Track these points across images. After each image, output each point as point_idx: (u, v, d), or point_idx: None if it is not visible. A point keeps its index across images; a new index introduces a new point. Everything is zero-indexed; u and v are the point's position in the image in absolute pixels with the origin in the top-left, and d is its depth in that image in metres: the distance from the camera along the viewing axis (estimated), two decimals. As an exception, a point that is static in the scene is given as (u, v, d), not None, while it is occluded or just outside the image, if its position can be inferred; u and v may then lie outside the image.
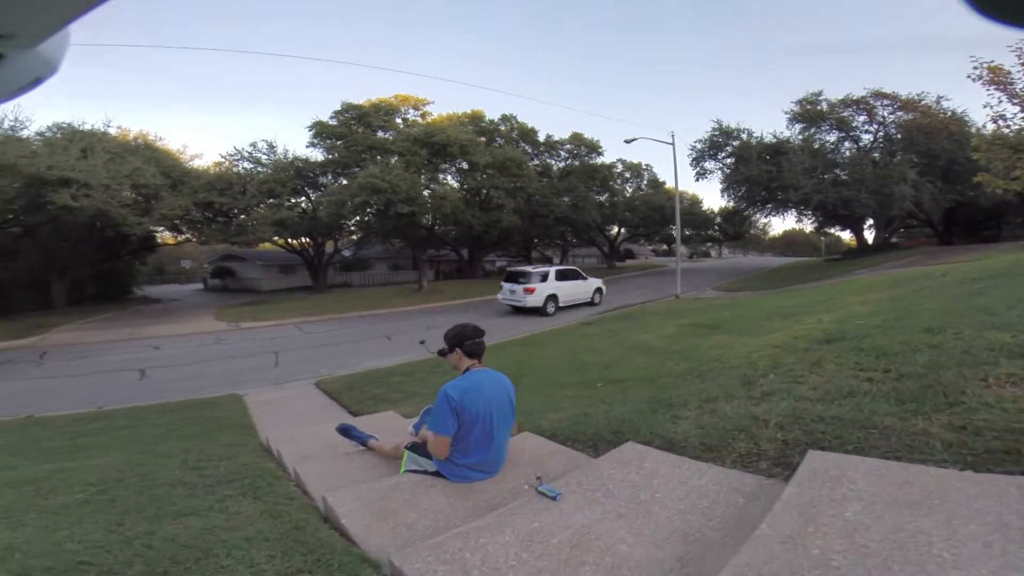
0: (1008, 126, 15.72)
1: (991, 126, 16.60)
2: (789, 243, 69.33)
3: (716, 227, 39.99)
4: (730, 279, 25.60)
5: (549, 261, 44.94)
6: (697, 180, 29.56)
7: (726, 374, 3.95)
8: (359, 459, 3.28)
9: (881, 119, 23.71)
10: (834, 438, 2.20)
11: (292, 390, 8.01)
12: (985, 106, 15.95)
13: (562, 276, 16.16)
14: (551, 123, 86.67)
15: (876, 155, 23.99)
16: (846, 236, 38.32)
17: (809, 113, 24.34)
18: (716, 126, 26.05)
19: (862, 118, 24.07)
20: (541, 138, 29.80)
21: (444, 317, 16.54)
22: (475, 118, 26.72)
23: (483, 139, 25.07)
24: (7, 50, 0.51)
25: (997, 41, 21.25)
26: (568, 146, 31.00)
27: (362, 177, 18.66)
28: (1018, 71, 14.60)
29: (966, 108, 24.49)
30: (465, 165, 22.77)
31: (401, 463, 2.77)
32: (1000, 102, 15.34)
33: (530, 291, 15.07)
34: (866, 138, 24.78)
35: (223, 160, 23.41)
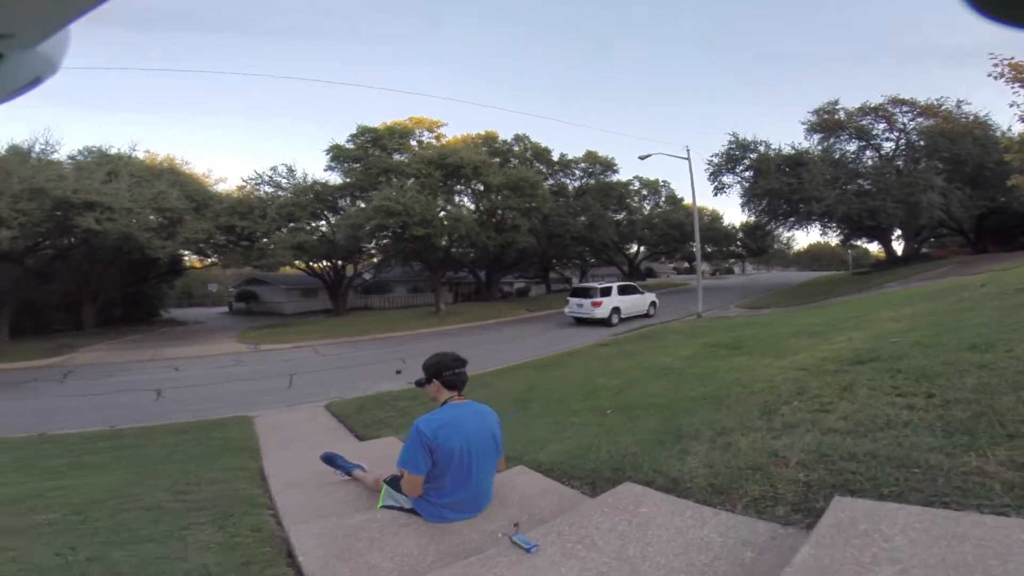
0: (1037, 124, 15.07)
1: (1018, 126, 15.90)
2: (815, 257, 67.90)
3: (738, 243, 39.13)
4: (754, 296, 24.93)
5: (568, 282, 44.74)
6: (716, 195, 29.12)
7: (745, 401, 3.61)
8: (342, 490, 3.08)
9: (902, 126, 23.13)
10: (867, 479, 1.88)
11: (302, 412, 7.90)
12: (1011, 105, 15.32)
13: (623, 291, 18.10)
14: (565, 142, 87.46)
15: (900, 163, 23.33)
16: (873, 248, 37.18)
17: (827, 123, 23.86)
18: (732, 139, 25.72)
19: (882, 126, 23.54)
20: (555, 157, 29.72)
21: (460, 339, 16.39)
22: (489, 139, 26.85)
23: (497, 160, 25.15)
24: (7, 50, 0.51)
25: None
26: (583, 164, 30.80)
27: (377, 200, 18.84)
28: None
29: (988, 111, 23.77)
30: (481, 187, 22.85)
31: (379, 497, 2.56)
32: (1027, 99, 14.73)
33: (597, 304, 16.98)
34: (888, 146, 24.22)
35: (244, 184, 24.05)
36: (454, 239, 22.33)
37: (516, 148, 27.81)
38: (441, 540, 2.08)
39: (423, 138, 25.22)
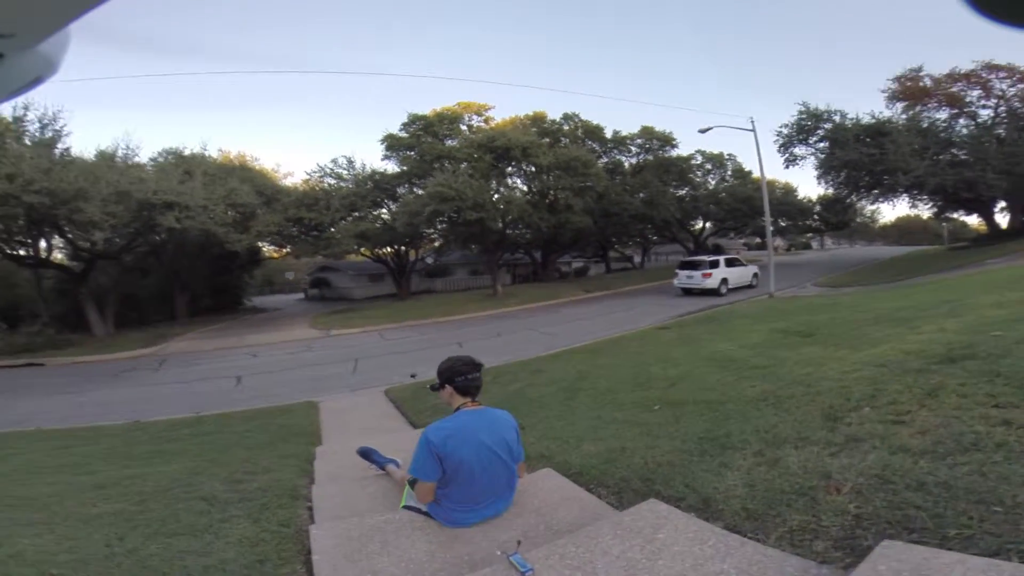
0: None
1: None
2: (904, 231, 61.74)
3: (815, 216, 36.30)
4: (834, 273, 23.11)
5: (630, 260, 43.53)
6: (787, 167, 27.27)
7: (807, 404, 3.24)
8: (375, 485, 3.11)
9: (1000, 93, 20.69)
10: (931, 516, 1.57)
11: (362, 397, 8.15)
12: None
13: (729, 263, 19.54)
14: (618, 119, 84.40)
15: (1000, 131, 21.04)
16: (972, 221, 33.10)
17: (910, 91, 21.98)
18: (802, 109, 24.16)
19: (976, 92, 21.17)
20: (608, 134, 28.83)
21: (515, 321, 16.43)
22: (537, 119, 26.46)
23: (546, 140, 24.77)
24: (7, 50, 0.52)
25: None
26: (639, 141, 29.63)
27: (431, 186, 19.14)
28: None
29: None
30: (532, 168, 22.59)
31: (402, 496, 2.56)
32: None
33: (707, 276, 18.42)
34: (984, 114, 21.73)
35: (309, 177, 25.27)
36: (507, 221, 22.33)
37: (566, 127, 27.19)
38: (451, 548, 2.04)
39: (472, 122, 25.29)
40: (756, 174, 25.10)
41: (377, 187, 24.08)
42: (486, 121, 25.55)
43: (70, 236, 17.37)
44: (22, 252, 18.79)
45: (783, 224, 36.39)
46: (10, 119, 15.77)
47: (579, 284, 27.26)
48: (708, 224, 35.15)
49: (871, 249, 49.63)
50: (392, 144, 23.78)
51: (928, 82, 21.77)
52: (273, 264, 42.07)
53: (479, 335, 13.94)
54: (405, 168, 23.47)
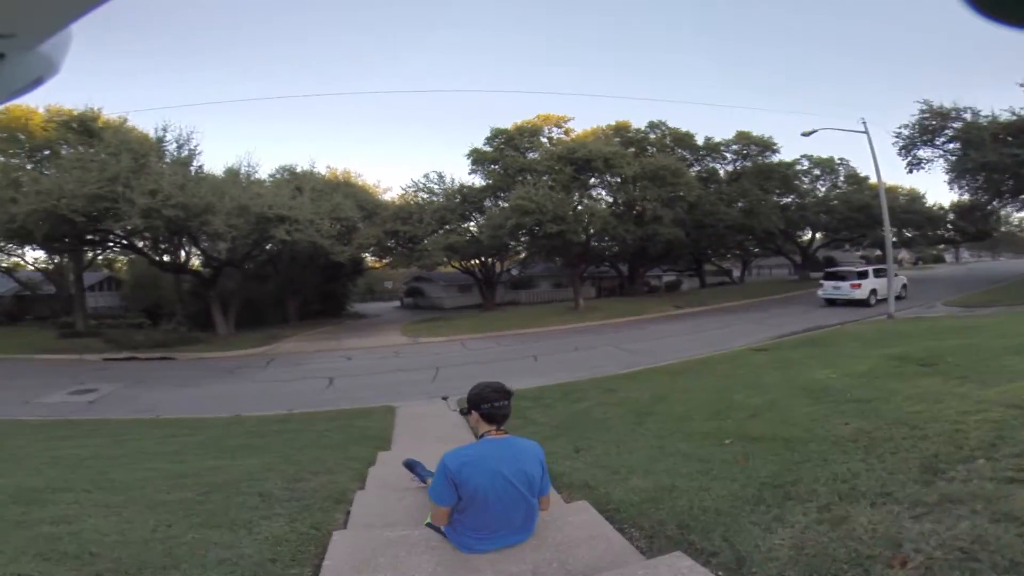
0: None
1: None
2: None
3: (948, 226, 31.39)
4: (971, 291, 20.03)
5: (728, 274, 40.71)
6: (910, 171, 23.80)
7: (907, 450, 2.71)
8: (412, 497, 3.12)
9: None
10: None
11: (437, 406, 8.33)
12: None
13: (877, 273, 18.96)
14: (710, 125, 79.85)
15: None
16: None
17: None
18: (925, 108, 21.51)
19: None
20: (699, 141, 27.38)
21: (596, 336, 16.01)
22: (620, 129, 25.80)
23: (632, 150, 24.06)
24: (8, 50, 0.52)
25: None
26: (734, 147, 27.89)
27: (513, 199, 19.42)
28: None
29: None
30: (618, 179, 22.05)
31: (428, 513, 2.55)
32: None
33: (856, 286, 18.29)
34: None
35: (404, 191, 26.92)
36: (590, 234, 21.94)
37: (652, 136, 26.26)
38: (456, 573, 1.99)
39: (552, 134, 25.34)
40: (873, 179, 22.52)
41: (465, 200, 24.97)
42: (566, 133, 25.54)
43: (204, 245, 20.06)
44: (166, 258, 22.06)
45: (908, 235, 31.93)
46: (154, 138, 18.63)
47: (669, 299, 25.97)
48: (818, 235, 31.96)
49: (1019, 263, 41.63)
50: (477, 158, 24.58)
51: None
52: (374, 273, 45.23)
53: (555, 349, 13.77)
54: (490, 181, 24.12)
